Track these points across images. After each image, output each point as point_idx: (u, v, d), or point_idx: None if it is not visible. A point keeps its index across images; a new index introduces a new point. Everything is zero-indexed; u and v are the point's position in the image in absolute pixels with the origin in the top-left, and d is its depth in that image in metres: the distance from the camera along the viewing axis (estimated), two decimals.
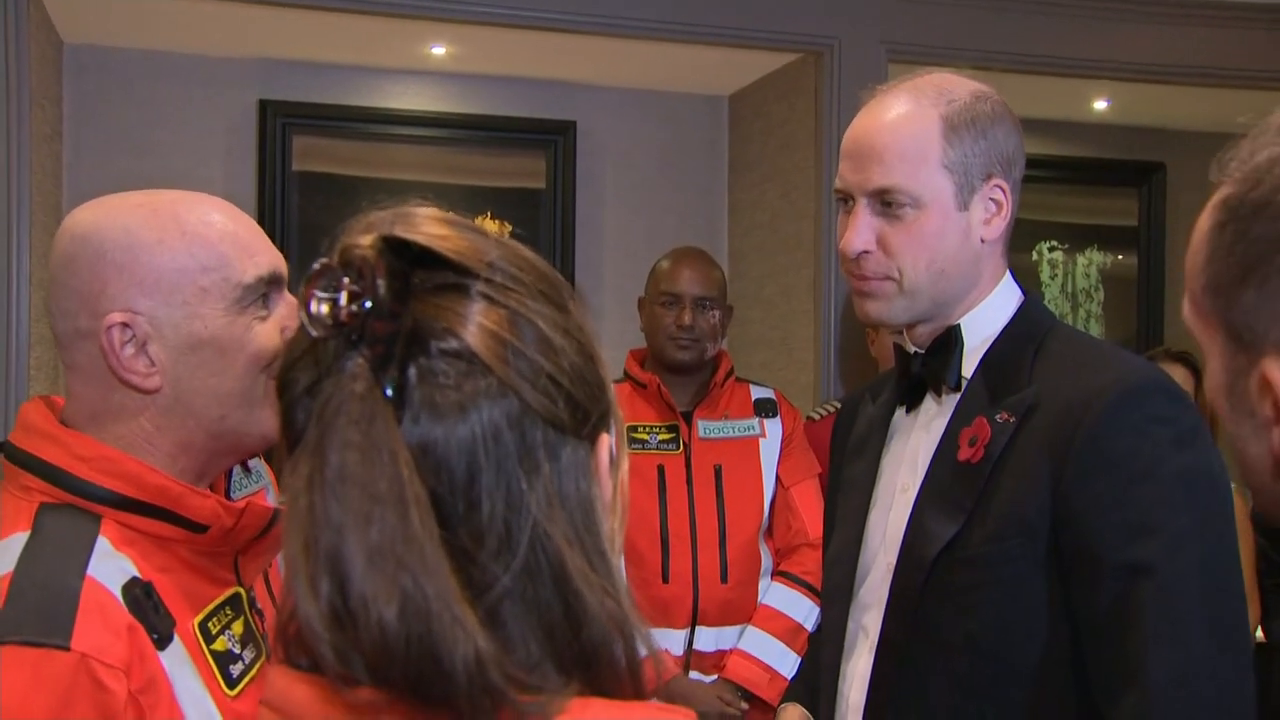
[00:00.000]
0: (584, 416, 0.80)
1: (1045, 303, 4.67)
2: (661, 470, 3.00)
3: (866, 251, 1.57)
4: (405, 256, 0.76)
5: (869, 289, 1.59)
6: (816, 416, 3.43)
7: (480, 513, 0.75)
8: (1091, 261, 4.97)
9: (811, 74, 3.95)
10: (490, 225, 4.82)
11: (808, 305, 3.95)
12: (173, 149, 3.99)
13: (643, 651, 0.80)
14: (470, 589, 0.73)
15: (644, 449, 3.00)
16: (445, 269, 0.77)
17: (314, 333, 0.74)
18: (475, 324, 0.76)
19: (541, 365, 0.77)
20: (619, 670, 0.78)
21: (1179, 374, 3.67)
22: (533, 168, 4.34)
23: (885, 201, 1.55)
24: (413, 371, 0.74)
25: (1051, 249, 4.91)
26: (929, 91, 1.57)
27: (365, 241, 0.75)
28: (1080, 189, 4.91)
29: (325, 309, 0.74)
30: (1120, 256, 5.01)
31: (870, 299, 1.60)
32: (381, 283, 0.73)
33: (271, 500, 1.57)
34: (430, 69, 4.20)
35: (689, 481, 3.01)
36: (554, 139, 4.33)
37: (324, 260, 0.75)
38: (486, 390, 0.75)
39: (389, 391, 0.73)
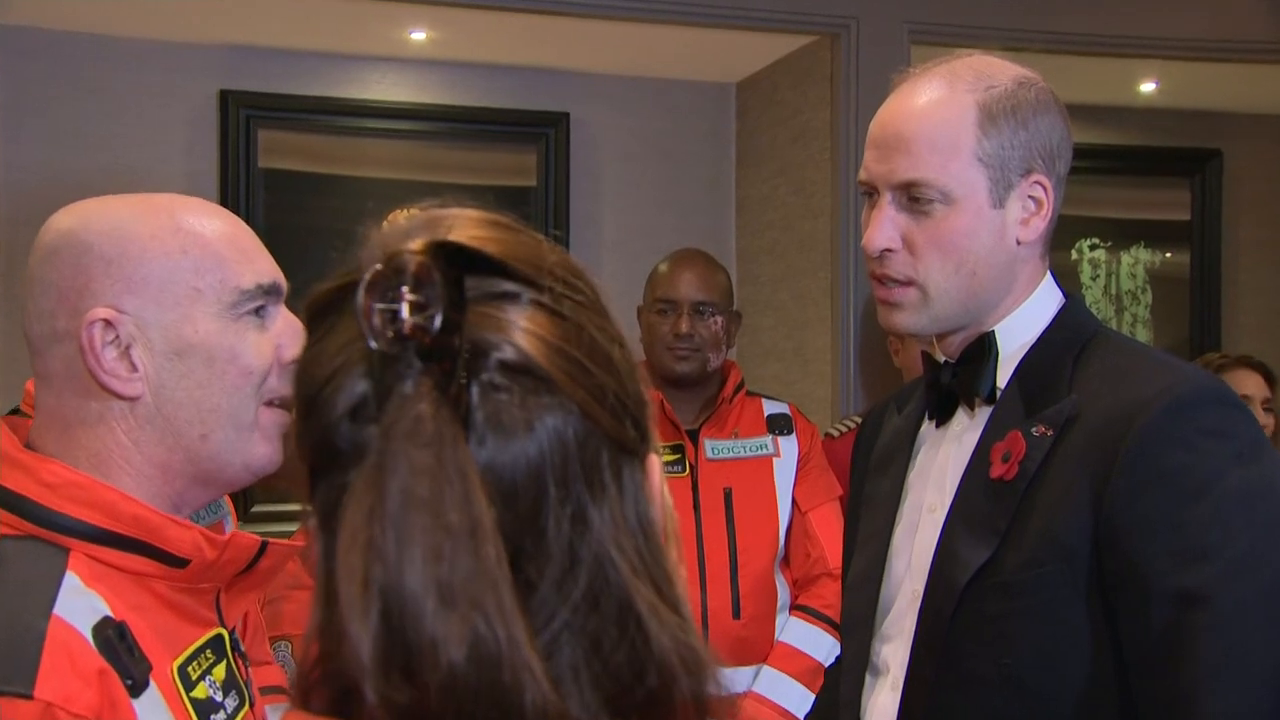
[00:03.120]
0: (642, 434, 0.81)
1: (1088, 306, 4.75)
2: None
3: (890, 250, 1.58)
4: (456, 262, 0.76)
5: (893, 298, 1.60)
6: (835, 433, 3.44)
7: (546, 540, 0.75)
8: (1138, 260, 4.98)
9: (827, 58, 3.97)
10: None
11: (824, 312, 3.96)
12: (125, 143, 3.99)
13: (712, 691, 0.80)
14: (531, 624, 0.73)
15: None
16: (498, 275, 0.78)
17: (376, 346, 0.73)
18: (535, 336, 0.76)
19: (603, 379, 0.78)
20: (685, 713, 0.78)
21: (1253, 382, 3.65)
22: (522, 163, 4.36)
23: (912, 196, 1.56)
24: (475, 388, 0.75)
25: (1093, 247, 4.92)
26: (966, 75, 1.57)
27: (416, 246, 0.75)
28: (1125, 180, 4.92)
29: (383, 321, 0.73)
30: (1170, 254, 5.02)
31: (895, 309, 1.60)
32: (445, 293, 0.73)
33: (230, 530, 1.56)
34: (409, 56, 4.22)
35: (696, 507, 3.02)
36: (545, 132, 4.35)
37: (378, 268, 0.74)
38: (551, 407, 0.76)
39: (456, 412, 0.73)
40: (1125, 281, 4.96)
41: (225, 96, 4.07)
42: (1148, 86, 4.72)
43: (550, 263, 0.80)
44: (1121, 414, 1.44)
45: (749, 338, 4.31)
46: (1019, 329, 1.61)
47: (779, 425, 3.15)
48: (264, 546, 1.34)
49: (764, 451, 3.11)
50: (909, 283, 1.58)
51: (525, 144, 4.35)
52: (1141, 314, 4.97)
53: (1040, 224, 1.59)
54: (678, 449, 3.06)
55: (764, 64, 4.33)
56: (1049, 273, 1.65)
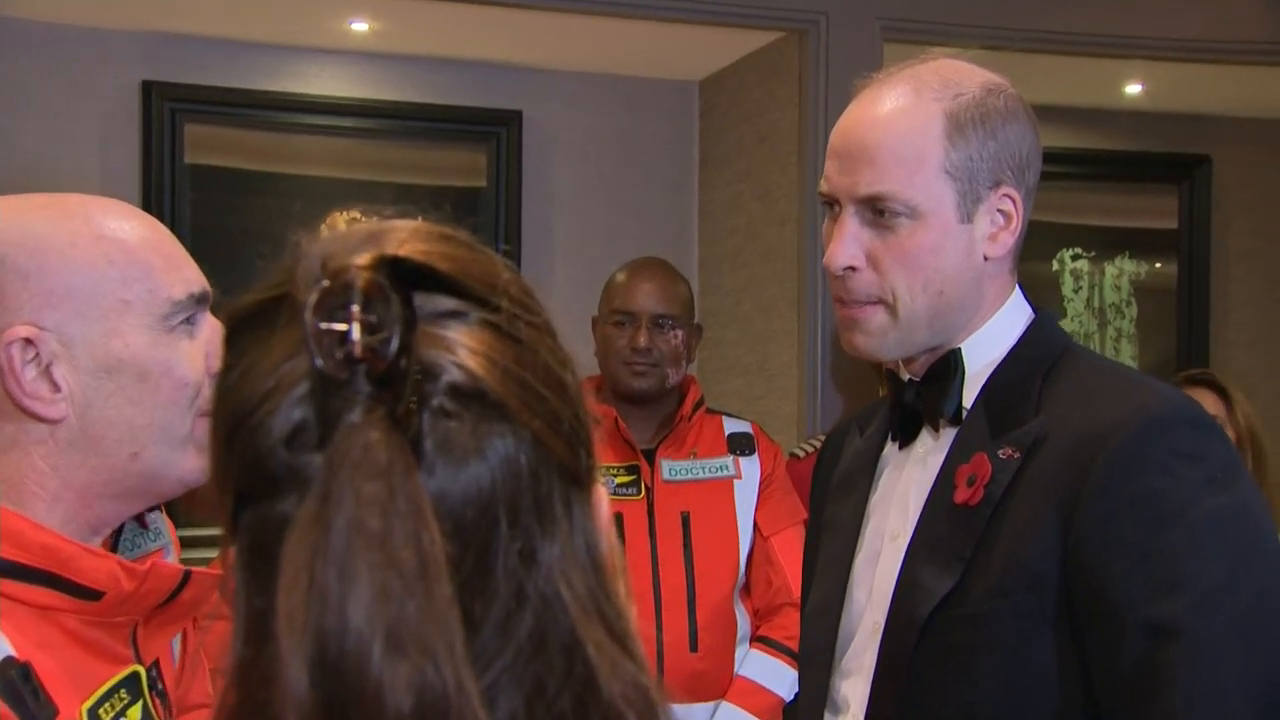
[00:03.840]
0: (590, 462, 0.81)
1: (1068, 319, 4.80)
2: (619, 519, 2.98)
3: (853, 268, 1.58)
4: (406, 279, 0.75)
5: (857, 317, 1.60)
6: (801, 454, 3.44)
7: (494, 577, 0.75)
8: (1122, 271, 5.02)
9: (795, 55, 3.98)
10: None
11: (790, 324, 3.97)
12: (38, 138, 3.94)
13: None
14: (473, 668, 0.72)
15: None
16: (447, 293, 0.77)
17: (327, 370, 0.72)
18: (487, 358, 0.76)
19: (558, 406, 0.78)
20: None
21: (1208, 400, 3.68)
22: (471, 164, 4.36)
23: (877, 210, 1.56)
24: (425, 414, 0.74)
25: (1075, 257, 4.96)
26: (932, 82, 1.58)
27: (364, 261, 0.74)
28: (1110, 187, 4.97)
29: (330, 342, 0.72)
30: (1157, 265, 5.06)
31: (857, 330, 1.61)
32: (400, 312, 0.72)
33: (172, 562, 1.53)
34: (350, 48, 4.21)
35: (651, 531, 3.01)
36: (496, 131, 4.35)
37: (325, 284, 0.73)
38: (503, 435, 0.75)
39: (407, 440, 0.72)
40: (1109, 294, 5.00)
41: (148, 88, 4.03)
42: (1133, 88, 4.75)
43: (504, 281, 0.79)
44: (1091, 435, 1.45)
45: (710, 351, 4.32)
46: (986, 346, 1.62)
47: (740, 445, 3.15)
48: (187, 576, 1.32)
49: (724, 473, 3.10)
50: (876, 302, 1.58)
51: (475, 143, 4.35)
52: (1126, 328, 5.01)
53: (1009, 239, 1.60)
54: (633, 470, 3.05)
55: (729, 61, 4.35)
56: (1018, 287, 1.66)
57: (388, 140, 4.29)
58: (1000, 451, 1.52)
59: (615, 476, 3.03)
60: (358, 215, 4.52)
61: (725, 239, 4.39)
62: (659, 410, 3.12)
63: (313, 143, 4.21)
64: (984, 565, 1.49)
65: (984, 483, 1.51)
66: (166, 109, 4.03)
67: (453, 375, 0.74)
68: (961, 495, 1.53)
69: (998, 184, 1.57)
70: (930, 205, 1.55)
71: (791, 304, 3.97)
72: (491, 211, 4.33)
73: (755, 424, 3.24)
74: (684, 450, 3.10)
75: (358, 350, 0.71)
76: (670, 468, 3.08)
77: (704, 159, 4.54)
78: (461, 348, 0.75)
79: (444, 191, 4.32)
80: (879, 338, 1.60)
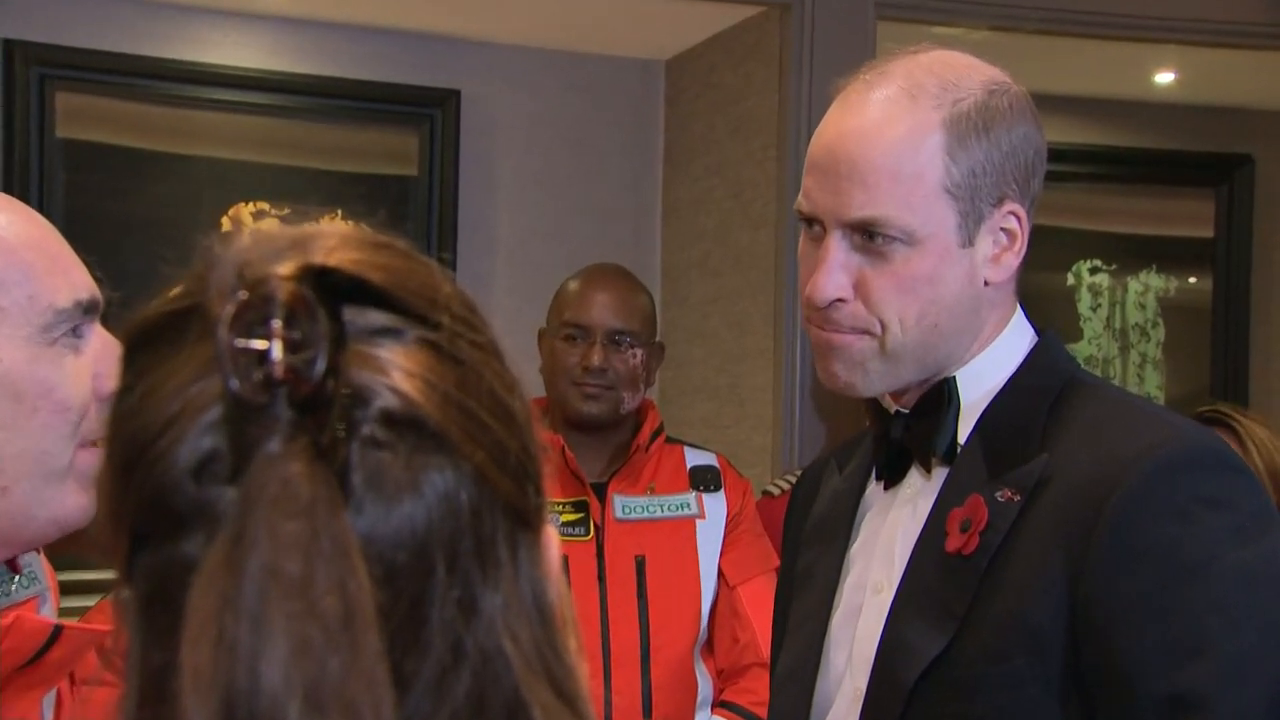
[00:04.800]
0: (539, 500, 0.82)
1: (1085, 342, 4.80)
2: (564, 563, 2.96)
3: (841, 300, 1.59)
4: (335, 293, 0.76)
5: (836, 343, 1.61)
6: (775, 491, 3.45)
7: (428, 628, 0.75)
8: (1149, 287, 5.05)
9: (775, 34, 3.99)
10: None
11: (765, 342, 3.98)
12: None
13: None
14: None
15: None
16: (381, 308, 0.78)
17: (243, 393, 0.72)
18: (425, 381, 0.76)
19: (504, 436, 0.79)
20: None
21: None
22: (400, 149, 4.36)
23: (868, 234, 1.57)
24: (354, 445, 0.74)
25: (1094, 270, 4.98)
26: (929, 85, 1.59)
27: (287, 271, 0.74)
28: (1135, 189, 4.99)
29: (247, 362, 0.72)
30: (1190, 279, 5.09)
31: (838, 359, 1.61)
32: (327, 329, 0.73)
33: (48, 614, 1.49)
34: (260, 12, 4.20)
35: (600, 578, 3.01)
36: (430, 112, 4.35)
37: (243, 297, 0.73)
38: (442, 468, 0.76)
39: (333, 473, 0.73)
40: (1133, 313, 5.01)
41: (10, 48, 3.97)
42: (1164, 77, 4.78)
43: (445, 295, 0.80)
44: (1103, 476, 1.46)
45: (673, 371, 4.33)
46: (983, 374, 1.63)
47: (704, 480, 3.15)
48: (57, 632, 1.31)
49: (685, 511, 3.11)
50: (862, 333, 1.59)
51: (405, 126, 4.35)
52: (1151, 353, 5.03)
53: (1013, 260, 1.61)
54: (580, 507, 3.05)
55: (699, 39, 4.35)
56: (1019, 307, 1.67)
57: (303, 120, 4.27)
58: (998, 494, 1.53)
59: (560, 514, 3.02)
60: (265, 207, 4.53)
61: (692, 243, 4.39)
62: (612, 439, 3.12)
63: (214, 120, 4.18)
64: (979, 624, 1.49)
65: (980, 529, 1.52)
66: (33, 74, 3.98)
67: (386, 401, 0.75)
68: (955, 543, 1.54)
69: (1001, 200, 1.58)
70: (929, 230, 1.55)
71: (767, 319, 3.97)
72: (423, 204, 4.33)
73: (722, 456, 3.25)
74: (640, 485, 3.10)
75: (279, 371, 0.71)
76: (623, 505, 3.07)
77: (669, 151, 4.55)
78: (396, 369, 0.76)
79: (368, 180, 4.31)
80: (861, 369, 1.61)
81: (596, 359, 3.02)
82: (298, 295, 0.73)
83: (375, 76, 4.30)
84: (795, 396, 3.87)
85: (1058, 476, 1.50)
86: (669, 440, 3.20)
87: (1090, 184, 4.82)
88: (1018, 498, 1.51)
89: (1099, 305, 4.98)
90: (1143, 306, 5.03)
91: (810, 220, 1.61)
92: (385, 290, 0.78)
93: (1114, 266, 5.00)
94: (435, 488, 0.75)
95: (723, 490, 3.14)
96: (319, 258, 0.77)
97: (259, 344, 0.71)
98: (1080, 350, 4.84)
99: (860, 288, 1.58)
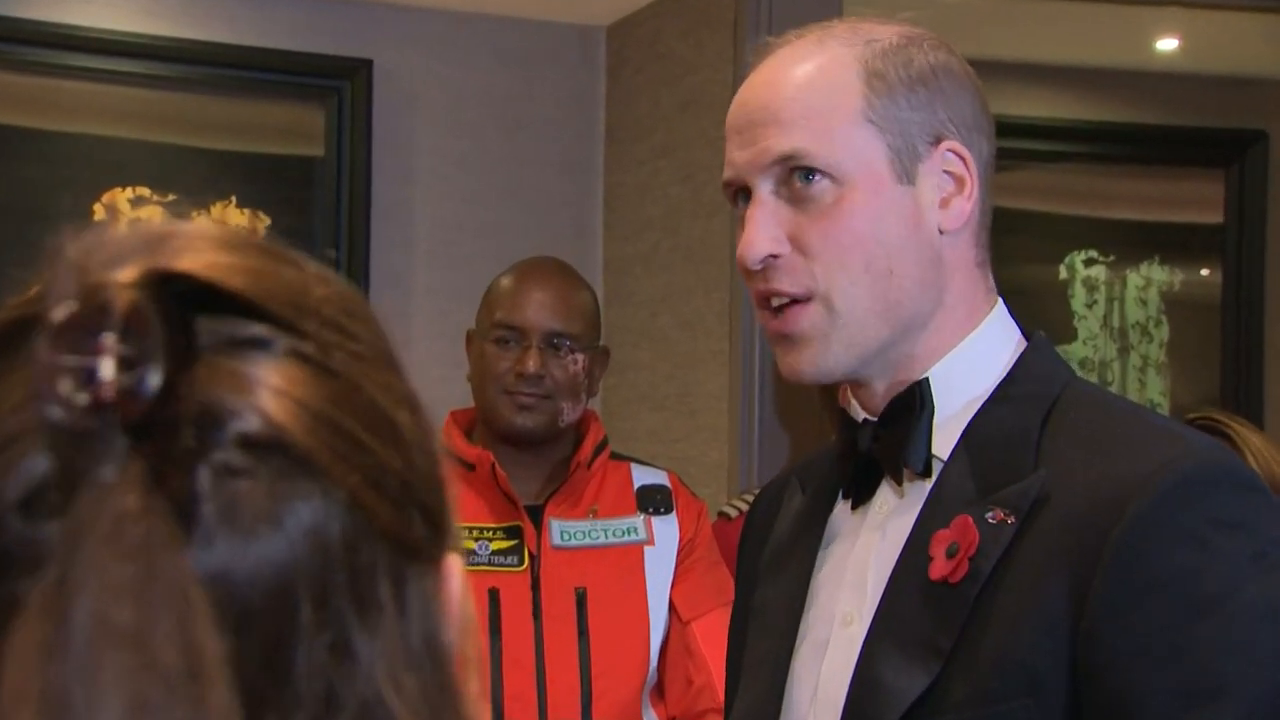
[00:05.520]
0: (434, 530, 0.81)
1: (1079, 343, 4.84)
2: (495, 596, 2.98)
3: (774, 256, 1.59)
4: (182, 299, 0.75)
5: (791, 328, 1.61)
6: (732, 513, 3.46)
7: (294, 679, 0.74)
8: (1150, 281, 5.09)
9: None
10: (235, 216, 4.73)
11: (720, 344, 3.99)
12: None
13: None
14: None
15: (470, 564, 2.97)
16: (243, 316, 0.77)
17: (61, 417, 0.71)
18: (291, 399, 0.75)
19: (384, 457, 0.78)
20: None
21: None
22: (304, 125, 4.37)
23: (793, 178, 1.58)
24: (203, 473, 0.73)
25: (1090, 262, 5.00)
26: (840, 33, 1.64)
27: (126, 278, 0.73)
28: (1136, 170, 5.02)
29: (75, 381, 0.71)
30: (1205, 271, 5.13)
31: (794, 345, 1.61)
32: (165, 343, 0.72)
33: None
34: None
35: (536, 613, 3.00)
36: (337, 85, 4.35)
37: (72, 306, 0.72)
38: (308, 496, 0.75)
39: (173, 506, 0.72)
40: (1133, 310, 5.06)
41: None
42: (1167, 44, 4.82)
43: (316, 299, 0.79)
44: (1108, 497, 1.46)
45: (617, 378, 4.33)
46: (962, 376, 1.63)
47: (653, 501, 3.15)
48: None
49: (632, 537, 3.10)
50: (807, 297, 1.59)
51: (309, 100, 4.36)
52: (1154, 355, 5.07)
53: (964, 205, 1.62)
54: (513, 532, 3.04)
55: (644, 2, 4.37)
56: (1000, 302, 1.68)
57: (192, 92, 4.27)
58: (989, 514, 1.52)
59: (490, 541, 3.02)
60: (146, 192, 4.52)
61: (638, 234, 4.41)
62: (549, 455, 3.11)
63: (85, 91, 4.18)
64: (968, 661, 1.49)
65: (969, 554, 1.51)
66: None
67: (244, 422, 0.74)
68: (940, 569, 1.53)
69: (938, 138, 1.61)
70: (855, 162, 1.58)
71: (721, 318, 3.99)
72: (330, 189, 4.34)
73: (674, 474, 3.25)
74: (580, 507, 3.10)
75: (108, 392, 0.71)
76: (562, 530, 3.07)
77: (611, 129, 4.57)
78: (259, 386, 0.75)
79: (266, 162, 4.32)
80: (821, 344, 1.60)
81: (532, 365, 3.01)
82: (136, 304, 0.72)
83: (273, 43, 4.30)
84: (754, 405, 3.89)
85: (1056, 496, 1.50)
86: (614, 456, 3.20)
87: (1084, 164, 4.86)
88: (1012, 519, 1.51)
89: (1095, 301, 5.01)
90: (1144, 303, 5.07)
91: (737, 188, 1.64)
92: (245, 296, 0.77)
93: (1111, 258, 5.03)
94: (300, 519, 0.75)
95: (674, 513, 3.14)
96: (167, 260, 0.76)
97: (85, 360, 0.70)
98: (1074, 352, 4.89)
99: (796, 240, 1.59)
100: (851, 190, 1.57)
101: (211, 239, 0.80)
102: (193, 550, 0.72)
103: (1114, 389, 4.87)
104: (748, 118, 1.62)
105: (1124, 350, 5.03)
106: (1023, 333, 1.68)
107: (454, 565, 0.83)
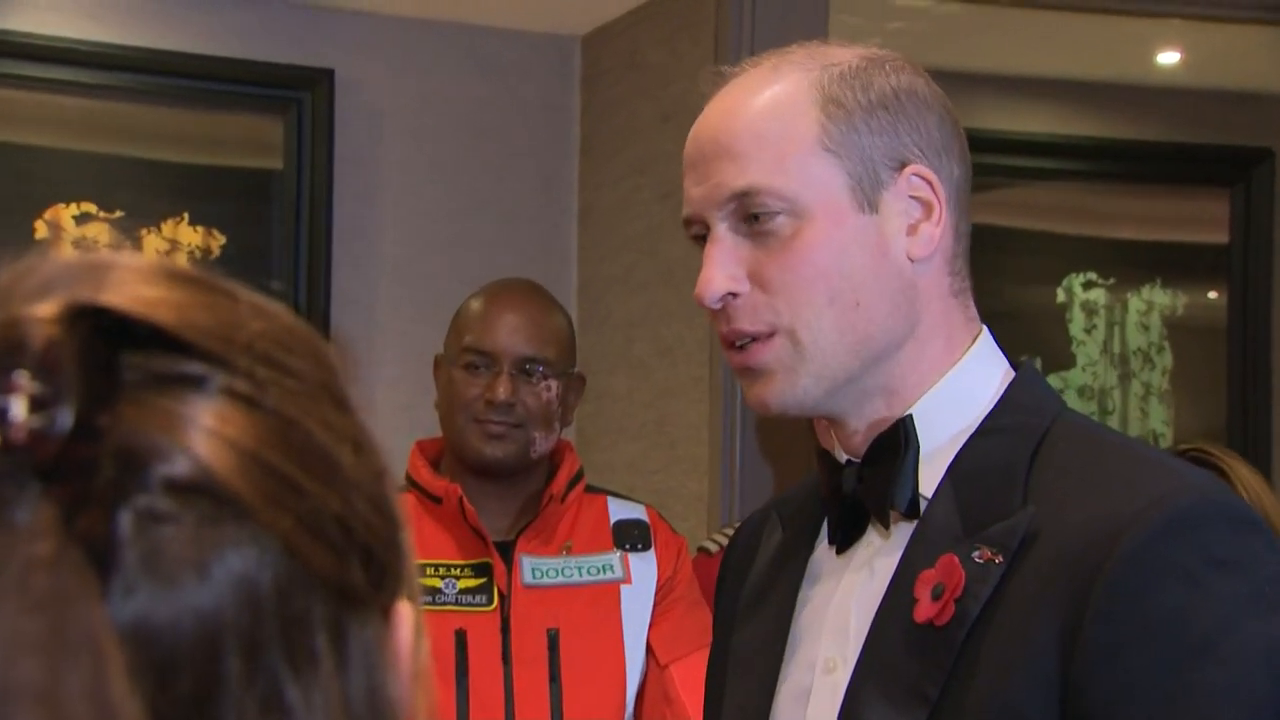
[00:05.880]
0: (380, 575, 0.80)
1: (1078, 370, 4.85)
2: (461, 638, 2.97)
3: (734, 295, 1.60)
4: (107, 334, 0.74)
5: (755, 361, 1.62)
6: (712, 548, 3.46)
7: None
8: (1153, 305, 5.09)
9: (709, 4, 4.02)
10: (188, 233, 4.70)
11: (700, 370, 3.99)
12: None
13: None
14: None
15: (436, 603, 2.98)
16: (172, 352, 0.76)
17: None
18: (221, 439, 0.75)
19: (321, 499, 0.77)
20: None
21: None
22: (262, 137, 4.37)
23: (750, 214, 1.59)
24: (124, 518, 0.73)
25: (1089, 285, 5.00)
26: (795, 58, 1.64)
27: (44, 313, 0.73)
28: (1136, 189, 5.03)
29: None
30: (1210, 294, 5.14)
31: (758, 378, 1.63)
32: (79, 381, 0.71)
33: None
34: None
35: (506, 656, 3.00)
36: (297, 96, 4.35)
37: None
38: (238, 542, 0.74)
39: (89, 553, 0.71)
40: (1134, 335, 5.05)
41: None
42: (1168, 58, 4.83)
43: (250, 333, 0.79)
44: (1099, 534, 1.46)
45: (593, 406, 4.33)
46: (946, 411, 1.64)
47: (631, 537, 3.15)
48: None
49: (608, 575, 3.10)
50: (770, 333, 1.60)
51: (267, 111, 4.36)
52: (1156, 382, 5.07)
53: (933, 230, 1.63)
54: (482, 570, 3.03)
55: (620, 10, 4.38)
56: (984, 330, 1.69)
57: (142, 103, 4.27)
58: (976, 554, 1.53)
59: (458, 579, 3.01)
60: (92, 209, 4.51)
61: (615, 254, 4.41)
62: (520, 488, 3.11)
63: (26, 101, 4.17)
64: (955, 707, 1.49)
65: (955, 595, 1.52)
66: None
67: (170, 464, 0.74)
68: (925, 611, 1.54)
69: (902, 164, 1.62)
70: (813, 193, 1.58)
71: (702, 344, 3.99)
72: (289, 205, 4.33)
73: (652, 509, 3.24)
74: (553, 544, 3.09)
75: (19, 434, 0.71)
76: (533, 567, 3.07)
77: (586, 144, 4.57)
78: (187, 425, 0.75)
79: (222, 175, 4.31)
80: (786, 379, 1.61)
81: (502, 392, 3.00)
82: (53, 341, 0.72)
83: (230, 51, 4.30)
84: (735, 435, 3.89)
85: (1046, 534, 1.51)
86: (589, 489, 3.20)
87: (1083, 182, 4.86)
88: (999, 559, 1.52)
89: (1094, 326, 5.00)
90: (1146, 328, 5.08)
91: (698, 228, 1.66)
92: (172, 331, 0.76)
93: (1112, 280, 5.03)
94: (228, 567, 0.74)
95: (653, 550, 3.14)
96: (92, 294, 0.76)
97: None
98: (1073, 379, 4.87)
99: (755, 277, 1.60)
100: (810, 223, 1.58)
101: (142, 271, 0.80)
102: (111, 600, 0.72)
103: (1115, 418, 4.92)
104: (700, 152, 1.64)
105: (1125, 377, 5.02)
106: (1010, 363, 1.69)
107: (404, 613, 0.83)
